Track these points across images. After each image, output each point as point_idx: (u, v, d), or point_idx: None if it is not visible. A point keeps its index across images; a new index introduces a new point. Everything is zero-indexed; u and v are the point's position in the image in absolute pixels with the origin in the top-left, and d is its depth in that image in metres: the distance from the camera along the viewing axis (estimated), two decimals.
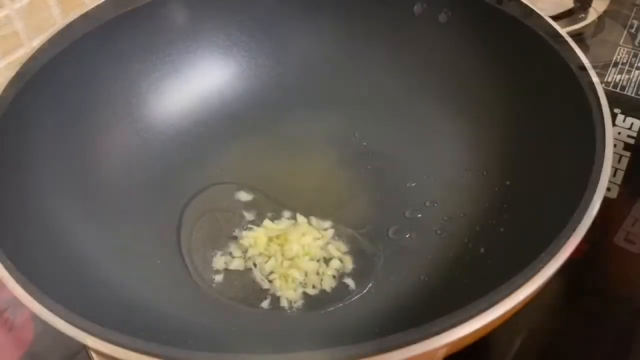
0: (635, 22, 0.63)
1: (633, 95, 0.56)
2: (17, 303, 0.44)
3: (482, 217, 0.40)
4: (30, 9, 0.50)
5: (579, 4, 0.62)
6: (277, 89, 0.49)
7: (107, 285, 0.36)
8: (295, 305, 0.38)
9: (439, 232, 0.41)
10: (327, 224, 0.43)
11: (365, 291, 0.39)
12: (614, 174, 0.49)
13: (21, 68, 0.39)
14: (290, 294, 0.39)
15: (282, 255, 0.40)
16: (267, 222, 0.42)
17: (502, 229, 0.38)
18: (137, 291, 0.37)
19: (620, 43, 0.61)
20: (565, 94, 0.39)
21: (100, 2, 0.44)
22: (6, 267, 0.30)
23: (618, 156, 0.51)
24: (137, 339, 0.31)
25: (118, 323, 0.33)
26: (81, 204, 0.40)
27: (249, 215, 0.43)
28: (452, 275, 0.38)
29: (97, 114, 0.43)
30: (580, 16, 0.62)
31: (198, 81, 0.49)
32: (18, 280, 0.29)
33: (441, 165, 0.44)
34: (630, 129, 0.53)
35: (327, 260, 0.41)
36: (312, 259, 0.40)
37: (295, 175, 0.46)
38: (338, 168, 0.46)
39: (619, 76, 0.58)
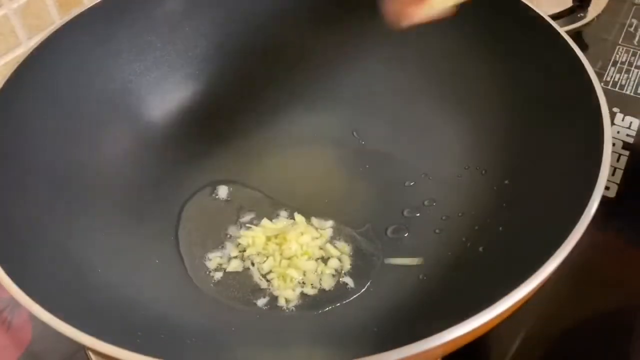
0: (634, 21, 0.63)
1: (632, 94, 0.56)
2: (15, 303, 0.44)
3: (481, 216, 0.40)
4: (28, 8, 0.50)
5: (578, 3, 0.62)
6: (277, 88, 0.49)
7: (105, 285, 0.36)
8: (293, 305, 0.38)
9: (437, 231, 0.41)
10: (326, 223, 0.42)
11: (363, 290, 0.39)
12: (613, 173, 0.49)
13: (19, 67, 0.39)
14: (288, 293, 0.39)
15: (281, 254, 0.40)
16: (265, 222, 0.42)
17: (500, 228, 0.38)
18: (136, 290, 0.37)
19: (619, 42, 0.61)
20: (564, 93, 0.39)
21: (98, 1, 0.44)
22: (4, 268, 0.30)
23: (617, 155, 0.51)
24: (135, 338, 0.31)
25: (116, 323, 0.33)
26: (79, 203, 0.40)
27: (247, 215, 0.43)
28: (450, 275, 0.38)
29: (95, 114, 0.43)
30: (579, 15, 0.62)
31: (197, 80, 0.48)
32: (16, 281, 0.29)
33: (440, 164, 0.44)
34: (629, 127, 0.53)
35: (325, 260, 0.41)
36: (310, 259, 0.40)
37: (294, 175, 0.46)
38: (337, 167, 0.46)
39: (618, 75, 0.58)
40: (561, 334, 0.41)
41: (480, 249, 0.38)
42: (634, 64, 0.59)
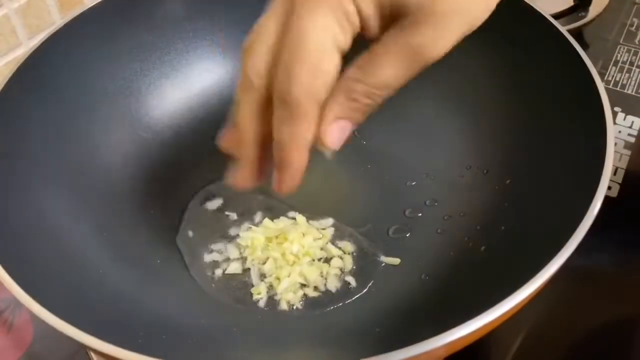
0: (636, 21, 0.63)
1: (633, 93, 0.56)
2: (16, 304, 0.44)
3: (483, 216, 0.40)
4: (29, 8, 0.50)
5: (579, 2, 0.62)
6: None
7: (106, 285, 0.36)
8: (295, 305, 0.38)
9: (439, 231, 0.41)
10: (327, 223, 0.42)
11: (365, 290, 0.39)
12: (615, 173, 0.49)
13: (19, 67, 0.39)
14: (289, 293, 0.39)
15: (282, 255, 0.40)
16: (266, 222, 0.42)
17: (502, 228, 0.38)
18: (137, 291, 0.37)
19: (621, 41, 0.61)
20: (565, 92, 0.39)
21: (98, 1, 0.44)
22: (4, 267, 0.30)
23: (619, 154, 0.51)
24: (136, 338, 0.31)
25: (117, 323, 0.33)
26: (80, 203, 0.39)
27: (248, 215, 0.43)
28: (452, 275, 0.37)
29: (96, 114, 0.43)
30: (580, 14, 0.62)
31: (197, 80, 0.48)
32: (17, 280, 0.29)
33: (441, 164, 0.44)
34: (630, 127, 0.53)
35: (327, 260, 0.40)
36: (312, 259, 0.40)
37: None
38: (338, 167, 0.46)
39: (619, 74, 0.58)
40: (562, 335, 0.41)
41: (482, 248, 0.38)
42: (635, 63, 0.59)
